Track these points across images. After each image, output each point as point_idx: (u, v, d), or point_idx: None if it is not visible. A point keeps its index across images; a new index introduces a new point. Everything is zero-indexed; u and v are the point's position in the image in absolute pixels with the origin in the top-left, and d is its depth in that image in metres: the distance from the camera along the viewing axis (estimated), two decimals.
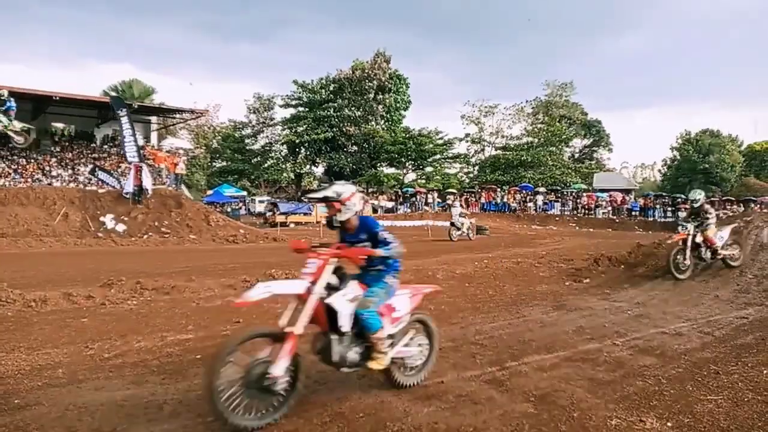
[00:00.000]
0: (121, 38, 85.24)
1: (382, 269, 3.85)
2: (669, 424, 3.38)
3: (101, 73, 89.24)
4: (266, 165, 49.30)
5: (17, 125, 15.62)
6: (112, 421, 3.35)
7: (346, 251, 3.58)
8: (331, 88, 47.64)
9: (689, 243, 9.05)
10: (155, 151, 26.47)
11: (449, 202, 37.98)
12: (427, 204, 38.84)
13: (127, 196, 20.13)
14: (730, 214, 25.72)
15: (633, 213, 35.28)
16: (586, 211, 36.27)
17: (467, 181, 49.10)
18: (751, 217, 12.13)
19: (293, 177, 50.70)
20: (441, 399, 3.77)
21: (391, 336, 3.82)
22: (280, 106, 49.71)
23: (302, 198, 42.35)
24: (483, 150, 50.45)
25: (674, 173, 55.98)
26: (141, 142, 25.19)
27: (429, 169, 48.57)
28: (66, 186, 22.26)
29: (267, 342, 3.27)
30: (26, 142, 16.56)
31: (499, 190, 40.15)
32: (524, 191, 39.17)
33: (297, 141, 46.35)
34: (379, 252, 3.67)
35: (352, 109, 46.42)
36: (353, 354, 3.55)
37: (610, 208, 36.10)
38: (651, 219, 33.50)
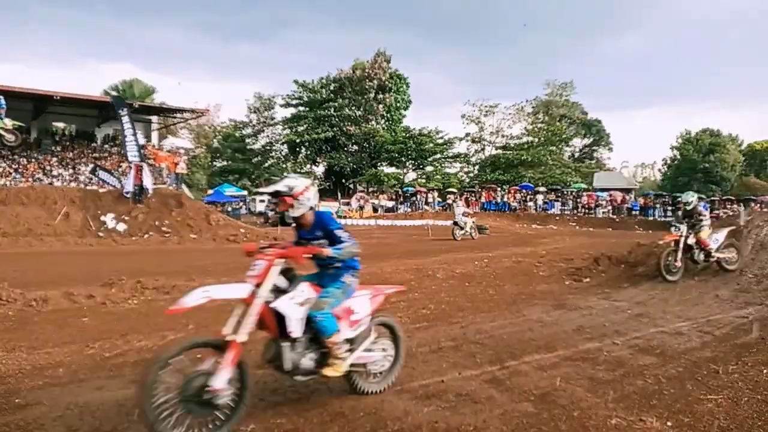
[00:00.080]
0: (122, 38, 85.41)
1: (340, 268, 3.60)
2: (669, 423, 3.38)
3: (102, 72, 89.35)
4: (267, 164, 49.35)
5: (8, 123, 15.57)
6: (113, 420, 3.36)
7: (289, 250, 3.32)
8: (332, 88, 47.65)
9: (681, 244, 8.84)
10: (156, 151, 26.50)
11: (450, 201, 38.03)
12: (427, 203, 38.85)
13: (128, 196, 20.14)
14: (731, 213, 25.70)
15: (633, 212, 35.30)
16: (586, 211, 36.27)
17: (467, 180, 49.08)
18: (751, 216, 12.11)
19: None
20: (441, 398, 3.77)
21: (349, 340, 3.60)
22: (281, 106, 49.81)
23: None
24: (483, 149, 50.45)
25: (674, 173, 56.01)
26: (142, 141, 25.20)
27: (429, 168, 48.57)
28: (67, 185, 22.28)
29: (211, 352, 3.04)
30: (17, 140, 16.51)
31: (499, 189, 40.14)
32: (524, 191, 39.16)
33: (297, 140, 46.36)
34: (327, 251, 3.41)
35: (353, 108, 46.43)
36: (307, 361, 3.33)
37: (610, 208, 36.10)
38: (651, 218, 33.49)
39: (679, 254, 8.84)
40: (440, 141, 47.87)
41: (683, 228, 8.90)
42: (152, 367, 2.84)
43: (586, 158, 57.70)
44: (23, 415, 3.44)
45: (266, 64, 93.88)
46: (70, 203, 18.91)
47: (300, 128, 46.62)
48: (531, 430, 3.28)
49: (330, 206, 35.41)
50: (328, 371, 3.41)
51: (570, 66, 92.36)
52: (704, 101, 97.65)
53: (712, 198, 37.84)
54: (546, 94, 52.98)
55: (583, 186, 41.84)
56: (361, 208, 36.43)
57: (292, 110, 49.05)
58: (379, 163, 47.86)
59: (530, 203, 37.90)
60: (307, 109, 47.38)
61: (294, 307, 3.25)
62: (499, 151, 48.58)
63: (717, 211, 31.44)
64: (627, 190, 42.84)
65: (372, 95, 46.51)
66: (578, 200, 37.21)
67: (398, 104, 48.73)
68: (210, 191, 41.77)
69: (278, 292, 3.25)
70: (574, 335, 5.68)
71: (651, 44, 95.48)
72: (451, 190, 41.25)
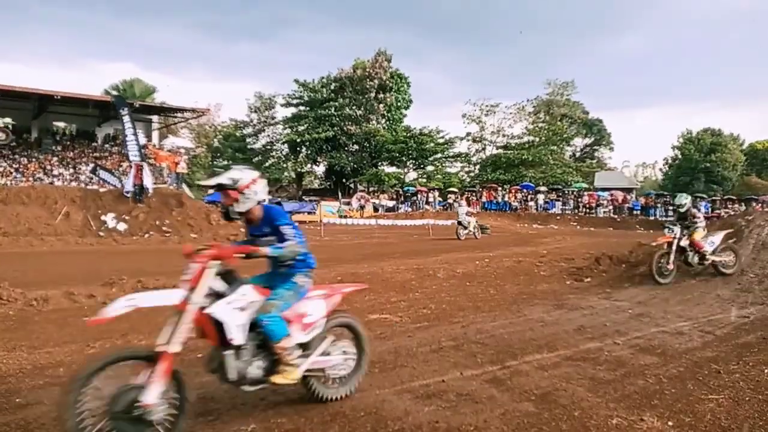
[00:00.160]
0: (122, 38, 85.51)
1: (292, 267, 3.39)
2: (670, 423, 3.37)
3: (102, 72, 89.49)
4: (267, 164, 49.33)
5: None
6: None
7: (220, 250, 3.05)
8: (332, 87, 47.64)
9: (674, 246, 8.72)
10: (157, 150, 26.54)
11: (450, 201, 38.04)
12: (428, 203, 38.84)
13: (128, 195, 20.15)
14: (732, 213, 25.68)
15: (634, 212, 35.28)
16: (587, 210, 36.26)
17: (468, 180, 49.08)
18: (752, 216, 12.07)
19: (294, 176, 50.79)
20: (442, 398, 3.77)
21: (303, 345, 3.40)
22: (282, 105, 49.81)
23: (303, 197, 42.43)
24: (484, 149, 50.46)
25: (675, 172, 55.93)
26: (143, 141, 25.22)
27: (430, 168, 48.57)
28: (67, 185, 22.30)
29: (143, 364, 2.83)
30: (7, 139, 16.50)
31: (500, 189, 40.12)
32: (525, 190, 39.15)
33: (298, 140, 46.35)
34: (264, 250, 3.17)
35: (353, 108, 46.41)
36: (255, 369, 3.12)
37: (611, 207, 36.09)
38: (652, 218, 33.44)
39: (672, 256, 8.72)
40: (441, 140, 47.86)
41: (676, 230, 8.79)
42: (73, 385, 2.63)
43: (587, 158, 57.65)
44: (24, 414, 3.44)
45: (267, 63, 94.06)
46: (70, 203, 18.92)
47: (301, 128, 46.61)
48: (532, 430, 3.27)
49: (331, 206, 35.46)
50: (277, 379, 3.20)
51: (570, 66, 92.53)
52: (705, 101, 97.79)
53: (714, 198, 37.81)
54: (547, 94, 53.00)
55: (584, 186, 41.82)
56: (362, 207, 36.43)
57: (292, 110, 49.10)
58: (379, 163, 47.85)
59: (531, 203, 37.88)
60: (308, 108, 47.38)
61: (232, 313, 3.02)
62: (500, 151, 48.56)
63: (718, 211, 31.44)
64: (628, 190, 42.85)
65: (373, 95, 46.48)
66: (579, 200, 37.19)
67: (399, 104, 48.71)
68: (210, 191, 41.79)
69: (217, 296, 3.02)
70: (575, 335, 5.67)
71: (651, 44, 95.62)
72: (451, 189, 41.25)
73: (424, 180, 46.54)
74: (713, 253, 8.87)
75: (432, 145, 46.78)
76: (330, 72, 48.34)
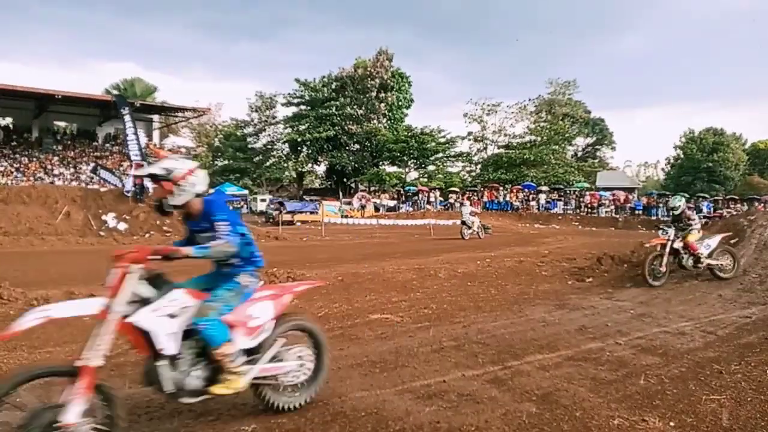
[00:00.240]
0: (122, 37, 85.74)
1: (235, 266, 3.14)
2: (671, 423, 3.36)
3: (103, 72, 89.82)
4: (268, 163, 49.41)
5: None
6: None
7: (136, 252, 2.77)
8: (333, 87, 47.69)
9: (668, 248, 8.55)
10: (157, 150, 26.49)
11: (452, 200, 38.03)
12: (429, 203, 38.87)
13: (128, 195, 20.17)
14: (734, 213, 25.63)
15: (636, 212, 35.26)
16: (589, 210, 36.25)
17: (470, 179, 49.07)
18: (755, 216, 12.03)
19: (295, 175, 50.84)
20: (443, 398, 3.75)
21: (248, 351, 3.15)
22: (282, 105, 49.89)
23: (304, 197, 42.46)
24: (485, 148, 50.48)
25: (678, 172, 55.92)
26: (143, 140, 25.26)
27: (431, 167, 48.60)
28: (68, 184, 22.36)
29: (64, 381, 2.58)
30: None
31: (501, 188, 40.11)
32: (527, 190, 39.13)
33: (299, 139, 46.41)
34: (185, 251, 2.91)
35: (354, 107, 46.43)
36: (194, 380, 2.89)
37: (613, 207, 36.07)
38: (654, 218, 33.40)
39: (665, 259, 8.54)
40: (442, 140, 47.89)
41: (670, 231, 8.64)
42: None
43: (589, 157, 57.63)
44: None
45: (267, 63, 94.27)
46: (71, 202, 18.96)
47: (301, 127, 46.66)
48: (533, 431, 3.26)
49: (333, 205, 35.49)
50: (218, 389, 2.94)
51: (571, 66, 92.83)
52: (705, 101, 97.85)
53: (716, 197, 37.77)
54: (549, 93, 52.98)
55: (586, 185, 41.81)
56: (363, 207, 36.44)
57: (293, 109, 49.19)
58: (380, 162, 47.88)
59: (533, 203, 37.87)
60: (309, 107, 47.42)
61: (159, 320, 2.76)
62: (502, 150, 48.59)
63: (720, 211, 31.39)
64: (630, 190, 42.84)
65: (374, 94, 46.51)
66: (581, 200, 37.18)
67: (400, 103, 48.74)
68: (211, 190, 41.79)
69: (144, 303, 2.76)
70: (577, 335, 5.65)
71: (652, 44, 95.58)
72: (453, 189, 41.24)
73: (426, 180, 46.57)
74: (709, 256, 8.70)
75: (433, 144, 46.79)
76: (331, 71, 48.56)
